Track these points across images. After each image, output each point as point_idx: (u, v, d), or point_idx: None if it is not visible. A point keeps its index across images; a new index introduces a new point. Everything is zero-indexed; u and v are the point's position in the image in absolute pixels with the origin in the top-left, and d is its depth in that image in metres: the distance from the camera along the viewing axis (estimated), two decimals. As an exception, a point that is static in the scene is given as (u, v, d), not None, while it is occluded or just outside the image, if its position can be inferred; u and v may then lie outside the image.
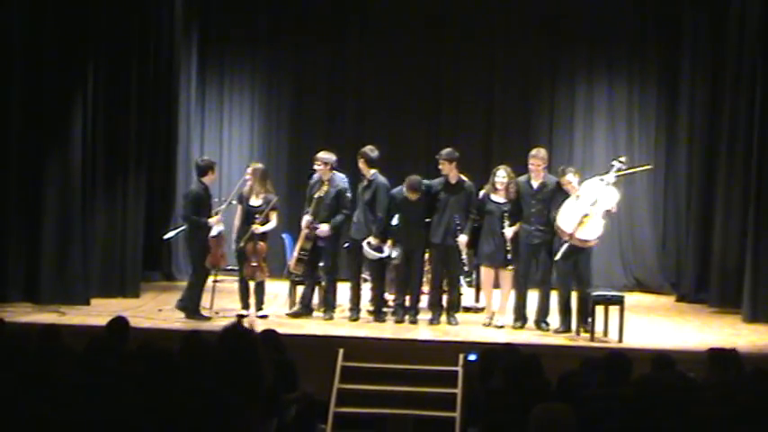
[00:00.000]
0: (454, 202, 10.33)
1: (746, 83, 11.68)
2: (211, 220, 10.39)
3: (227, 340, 5.76)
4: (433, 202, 10.37)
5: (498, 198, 10.27)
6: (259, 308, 10.62)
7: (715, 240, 12.24)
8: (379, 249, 10.31)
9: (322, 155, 10.63)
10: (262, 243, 10.55)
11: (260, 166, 10.89)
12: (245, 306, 10.65)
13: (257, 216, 10.47)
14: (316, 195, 10.56)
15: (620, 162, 10.44)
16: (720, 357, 6.81)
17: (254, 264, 10.51)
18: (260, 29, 14.62)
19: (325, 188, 10.51)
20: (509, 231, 10.18)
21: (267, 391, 5.71)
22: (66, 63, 11.23)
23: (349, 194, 10.65)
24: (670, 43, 13.70)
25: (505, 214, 10.20)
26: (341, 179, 10.71)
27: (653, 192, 13.85)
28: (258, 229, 10.46)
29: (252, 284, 10.64)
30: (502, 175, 10.27)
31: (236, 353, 5.63)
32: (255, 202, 10.58)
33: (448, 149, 10.48)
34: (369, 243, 10.32)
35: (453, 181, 10.39)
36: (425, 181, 10.48)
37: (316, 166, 10.63)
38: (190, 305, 10.47)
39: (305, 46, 14.49)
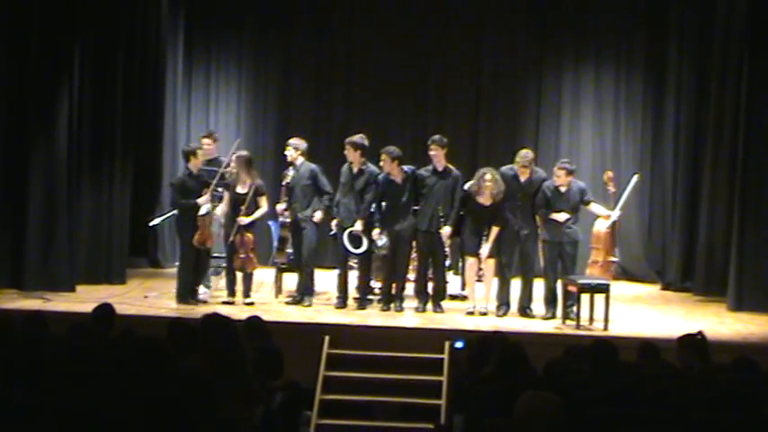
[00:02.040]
0: (441, 190, 10.33)
1: (733, 74, 11.72)
2: (200, 200, 10.39)
3: (207, 328, 5.77)
4: (419, 189, 10.37)
5: (483, 200, 10.24)
6: (246, 295, 10.60)
7: (700, 229, 12.29)
8: (359, 241, 10.28)
9: (293, 141, 10.71)
10: (249, 234, 10.50)
11: (244, 153, 10.85)
12: (232, 294, 10.64)
13: (242, 206, 10.42)
14: (284, 182, 10.63)
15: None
16: (689, 343, 6.87)
17: (243, 255, 10.47)
18: (247, 15, 14.56)
19: (291, 174, 10.59)
20: (485, 250, 10.20)
21: (251, 378, 5.73)
22: (51, 49, 11.16)
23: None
24: (657, 34, 13.69)
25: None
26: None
27: (639, 181, 13.86)
28: (243, 220, 10.42)
29: (239, 273, 10.64)
30: (488, 179, 10.22)
31: (216, 340, 5.64)
32: (241, 189, 10.56)
33: (439, 135, 10.52)
34: (350, 233, 10.29)
35: (441, 168, 10.40)
36: (413, 168, 10.51)
37: (286, 152, 10.68)
38: (180, 289, 10.50)
39: (292, 32, 14.44)
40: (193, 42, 14.49)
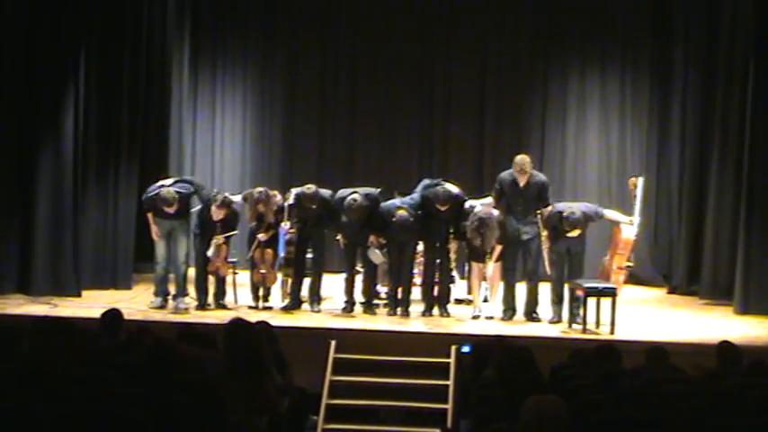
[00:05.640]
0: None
1: (739, 76, 11.71)
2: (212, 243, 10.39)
3: (230, 333, 5.77)
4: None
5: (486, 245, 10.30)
6: (266, 299, 10.73)
7: (706, 233, 12.27)
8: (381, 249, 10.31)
9: None
10: (269, 250, 10.56)
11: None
12: (256, 298, 10.73)
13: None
14: (287, 203, 10.58)
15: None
16: (727, 351, 6.84)
17: (263, 271, 10.54)
18: (253, 18, 14.60)
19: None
20: (489, 269, 10.19)
21: (270, 384, 5.72)
22: (58, 52, 11.20)
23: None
24: (663, 36, 13.69)
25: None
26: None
27: (645, 184, 13.85)
28: (263, 237, 10.49)
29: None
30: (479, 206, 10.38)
31: (238, 345, 5.65)
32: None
33: None
34: (376, 245, 10.29)
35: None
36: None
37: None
38: (197, 293, 10.62)
39: (298, 36, 14.47)
40: (199, 47, 14.50)
